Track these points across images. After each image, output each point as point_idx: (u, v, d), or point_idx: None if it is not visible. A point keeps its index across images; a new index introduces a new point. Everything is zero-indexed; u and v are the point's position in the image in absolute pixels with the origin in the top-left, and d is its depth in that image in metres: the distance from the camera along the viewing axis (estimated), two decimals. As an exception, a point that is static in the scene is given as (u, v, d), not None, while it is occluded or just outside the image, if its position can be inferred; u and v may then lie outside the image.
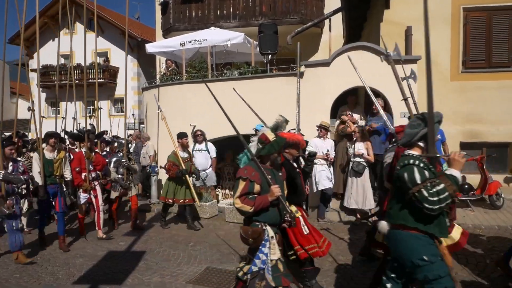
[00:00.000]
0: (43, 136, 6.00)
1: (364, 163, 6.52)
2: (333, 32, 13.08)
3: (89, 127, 6.92)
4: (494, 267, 4.61)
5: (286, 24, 12.79)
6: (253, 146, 3.35)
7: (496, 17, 7.74)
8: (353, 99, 7.72)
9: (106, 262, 5.24)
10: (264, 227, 3.19)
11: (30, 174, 5.54)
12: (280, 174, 3.45)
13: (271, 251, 3.17)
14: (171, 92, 8.95)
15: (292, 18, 13.19)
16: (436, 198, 2.56)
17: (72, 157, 6.76)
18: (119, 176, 6.76)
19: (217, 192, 8.43)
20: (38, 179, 5.66)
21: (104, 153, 7.11)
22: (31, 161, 6.04)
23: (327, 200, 7.00)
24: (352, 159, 6.61)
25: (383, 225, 2.95)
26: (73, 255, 5.56)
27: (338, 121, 7.35)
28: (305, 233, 4.05)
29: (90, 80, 21.82)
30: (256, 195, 3.14)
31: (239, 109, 8.06)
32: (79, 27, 23.06)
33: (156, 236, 6.45)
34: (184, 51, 9.79)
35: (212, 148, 7.75)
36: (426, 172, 2.68)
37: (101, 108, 10.50)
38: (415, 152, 2.86)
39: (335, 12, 10.84)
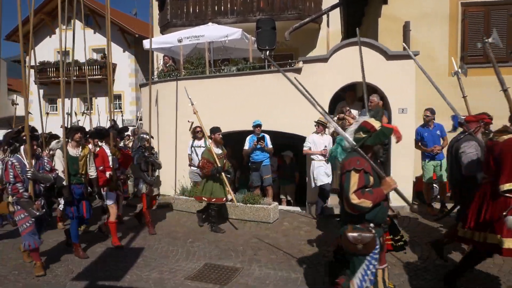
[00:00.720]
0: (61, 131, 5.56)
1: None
2: (331, 27, 13.05)
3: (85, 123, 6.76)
4: (491, 261, 4.64)
5: (284, 20, 12.74)
6: (350, 134, 3.08)
7: (494, 12, 7.73)
8: (351, 95, 7.71)
9: (104, 259, 5.24)
10: (372, 230, 2.89)
11: (57, 172, 5.07)
12: None
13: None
14: (168, 88, 8.93)
15: (290, 13, 13.14)
16: None
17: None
18: (143, 172, 6.35)
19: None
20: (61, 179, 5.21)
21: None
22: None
23: (325, 196, 7.01)
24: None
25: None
26: (72, 251, 5.55)
27: (336, 117, 7.34)
28: None
29: (88, 77, 21.85)
30: (370, 189, 2.84)
31: (238, 104, 8.08)
32: (77, 23, 22.93)
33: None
34: (181, 47, 9.75)
35: None
36: None
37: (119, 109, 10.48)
38: None
39: (333, 7, 10.82)
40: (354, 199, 2.78)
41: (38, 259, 4.79)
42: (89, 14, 21.89)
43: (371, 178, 2.86)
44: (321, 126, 6.78)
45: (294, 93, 7.52)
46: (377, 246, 2.93)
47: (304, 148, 6.88)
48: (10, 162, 4.65)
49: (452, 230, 4.50)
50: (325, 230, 6.19)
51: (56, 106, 23.24)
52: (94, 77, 21.53)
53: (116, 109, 22.52)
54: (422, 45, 7.48)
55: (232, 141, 8.49)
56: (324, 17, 12.95)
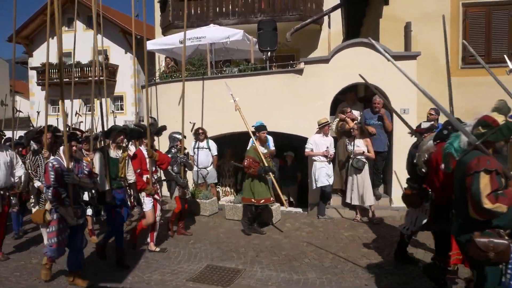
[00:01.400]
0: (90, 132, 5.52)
1: (364, 160, 6.53)
2: (332, 28, 13.03)
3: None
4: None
5: (285, 21, 12.74)
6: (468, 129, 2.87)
7: (495, 12, 7.71)
8: (353, 96, 7.71)
9: (106, 260, 5.25)
10: (504, 236, 2.62)
11: (97, 176, 4.68)
12: None
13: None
14: (170, 89, 8.94)
15: (291, 15, 13.14)
16: None
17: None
18: (176, 174, 6.02)
19: (217, 189, 8.44)
20: (104, 183, 4.79)
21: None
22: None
23: (327, 197, 7.02)
24: (351, 156, 6.62)
25: None
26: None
27: (337, 118, 7.35)
28: None
29: (90, 78, 21.90)
30: (502, 191, 2.57)
31: (240, 105, 8.05)
32: (79, 25, 23.00)
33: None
34: (183, 48, 9.76)
35: (213, 145, 7.74)
36: None
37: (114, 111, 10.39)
38: None
39: (334, 8, 10.81)
40: (487, 204, 2.52)
41: (51, 263, 4.56)
42: (91, 16, 21.94)
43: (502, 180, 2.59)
44: (326, 127, 6.77)
45: (295, 94, 7.59)
46: None
47: (306, 150, 6.89)
48: (50, 164, 4.23)
49: None
50: (326, 232, 6.19)
51: (59, 107, 23.31)
52: (96, 78, 21.60)
53: (118, 110, 22.61)
54: (423, 46, 7.48)
55: (232, 142, 8.51)
56: (325, 18, 12.94)
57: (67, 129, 6.07)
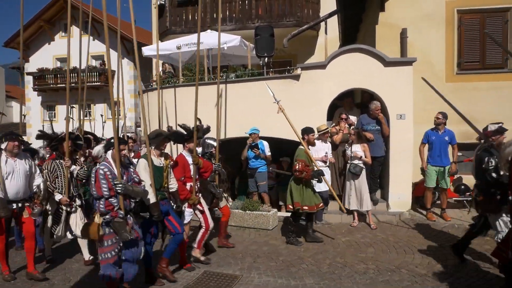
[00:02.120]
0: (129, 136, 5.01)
1: (361, 165, 6.54)
2: (329, 34, 13.13)
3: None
4: (490, 266, 4.64)
5: (282, 27, 12.82)
6: None
7: (490, 19, 7.81)
8: (349, 101, 7.75)
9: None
10: None
11: (143, 184, 4.20)
12: None
13: None
14: (167, 95, 8.94)
15: (288, 21, 13.23)
16: None
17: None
18: (211, 183, 5.55)
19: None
20: (151, 194, 4.28)
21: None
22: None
23: (325, 202, 7.01)
24: (349, 161, 6.64)
25: None
26: (70, 260, 5.52)
27: (334, 124, 7.38)
28: None
29: (88, 84, 21.88)
30: None
31: (236, 111, 8.09)
32: (76, 30, 23.02)
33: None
34: (180, 54, 9.79)
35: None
36: None
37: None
38: None
39: (330, 14, 10.91)
40: None
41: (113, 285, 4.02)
42: (88, 21, 21.97)
43: None
44: (326, 134, 6.78)
45: (293, 99, 7.60)
46: None
47: (305, 155, 6.87)
48: (101, 171, 3.81)
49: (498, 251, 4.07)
50: (324, 237, 6.18)
51: (55, 113, 23.24)
52: (93, 83, 21.57)
53: (115, 115, 22.53)
54: (419, 52, 7.55)
55: (227, 148, 8.49)
56: (322, 24, 13.04)
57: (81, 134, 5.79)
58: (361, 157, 6.52)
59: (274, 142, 7.70)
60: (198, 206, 5.08)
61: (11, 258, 5.15)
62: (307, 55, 13.75)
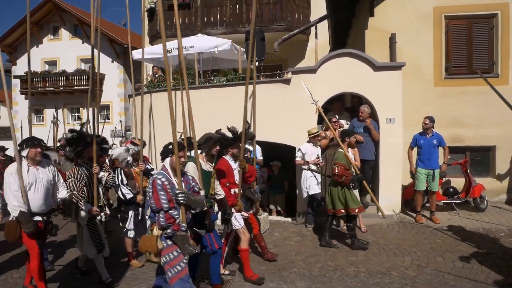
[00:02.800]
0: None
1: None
2: (320, 39, 13.25)
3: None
4: (479, 268, 4.71)
5: (273, 31, 12.91)
6: None
7: (476, 25, 7.97)
8: (339, 105, 7.81)
9: (90, 273, 5.13)
10: None
11: (202, 193, 3.77)
12: None
13: None
14: (157, 99, 8.91)
15: (279, 25, 13.32)
16: None
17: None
18: (248, 188, 5.16)
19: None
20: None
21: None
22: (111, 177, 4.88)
23: (318, 204, 7.03)
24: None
25: None
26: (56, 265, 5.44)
27: (324, 127, 7.42)
28: None
29: (76, 87, 21.68)
30: None
31: (227, 115, 8.07)
32: (64, 33, 22.81)
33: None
34: (171, 57, 9.76)
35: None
36: None
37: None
38: None
39: (321, 19, 11.00)
40: None
41: None
42: (78, 24, 21.81)
43: None
44: (318, 137, 6.81)
45: (283, 103, 7.64)
46: None
47: (297, 159, 6.90)
48: (159, 182, 3.47)
49: None
50: (315, 240, 6.19)
51: (43, 117, 22.94)
52: (82, 87, 21.38)
53: (104, 119, 22.36)
54: (408, 56, 7.66)
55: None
56: (313, 28, 13.16)
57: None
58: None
59: (266, 147, 7.71)
60: (243, 213, 4.76)
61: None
62: (297, 59, 13.84)
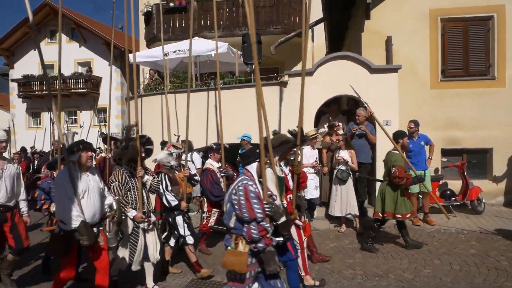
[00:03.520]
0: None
1: (349, 171, 6.57)
2: (316, 42, 13.28)
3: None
4: (476, 271, 4.70)
5: (270, 34, 12.91)
6: None
7: (472, 27, 8.00)
8: (336, 108, 7.82)
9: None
10: None
11: (278, 202, 3.39)
12: None
13: None
14: (154, 102, 8.89)
15: (275, 28, 13.33)
16: None
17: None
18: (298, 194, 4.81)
19: (200, 202, 8.35)
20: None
21: None
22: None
23: (313, 208, 7.01)
24: (336, 167, 6.67)
25: None
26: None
27: (320, 130, 7.42)
28: None
29: (73, 90, 21.65)
30: None
31: (224, 117, 8.05)
32: (62, 37, 22.80)
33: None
34: (168, 61, 9.75)
35: (197, 159, 7.68)
36: None
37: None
38: None
39: (317, 22, 11.01)
40: None
41: None
42: (75, 28, 21.79)
43: None
44: (314, 140, 6.81)
45: (280, 106, 7.63)
46: None
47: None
48: (251, 189, 3.12)
49: None
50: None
51: (40, 120, 22.89)
52: (79, 90, 21.35)
53: (102, 122, 22.32)
54: (404, 59, 7.67)
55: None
56: (309, 31, 13.17)
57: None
58: (347, 162, 6.56)
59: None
60: (298, 222, 4.38)
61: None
62: (294, 62, 13.83)
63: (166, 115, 7.23)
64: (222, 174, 5.81)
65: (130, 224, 4.27)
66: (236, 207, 3.14)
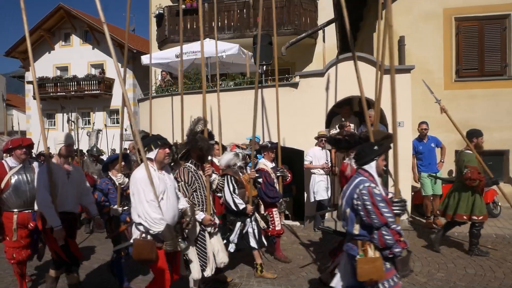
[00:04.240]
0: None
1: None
2: (327, 42, 13.19)
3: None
4: (492, 275, 4.60)
5: (281, 35, 12.87)
6: None
7: (488, 26, 7.85)
8: (348, 110, 7.75)
9: (101, 272, 5.15)
10: None
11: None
12: None
13: None
14: (166, 103, 8.95)
15: (286, 29, 13.31)
16: None
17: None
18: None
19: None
20: None
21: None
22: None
23: (321, 209, 6.97)
24: (347, 169, 6.61)
25: None
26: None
27: (332, 131, 7.37)
28: None
29: (86, 92, 21.97)
30: None
31: (235, 119, 8.08)
32: (75, 39, 23.16)
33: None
34: (179, 62, 9.81)
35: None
36: None
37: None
38: None
39: (328, 23, 10.95)
40: None
41: None
42: (88, 30, 22.12)
43: None
44: (323, 140, 6.77)
45: (290, 107, 7.61)
46: None
47: (305, 162, 6.88)
48: (377, 191, 2.90)
49: None
50: (323, 245, 6.13)
51: (54, 121, 23.28)
52: (92, 92, 21.66)
53: (114, 123, 22.60)
54: (417, 59, 7.57)
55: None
56: (320, 32, 13.11)
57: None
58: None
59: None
60: None
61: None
62: (305, 63, 13.81)
63: (180, 116, 7.26)
64: (278, 174, 5.58)
65: (197, 227, 3.86)
66: (362, 213, 2.89)
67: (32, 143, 4.50)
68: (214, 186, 4.13)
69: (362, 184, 2.93)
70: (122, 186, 4.39)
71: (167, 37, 13.91)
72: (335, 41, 12.68)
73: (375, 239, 2.86)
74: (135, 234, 3.32)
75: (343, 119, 7.27)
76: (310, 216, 7.26)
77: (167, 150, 3.44)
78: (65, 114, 12.32)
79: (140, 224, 3.25)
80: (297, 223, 7.66)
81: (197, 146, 3.86)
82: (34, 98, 23.09)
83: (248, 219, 4.69)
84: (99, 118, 21.00)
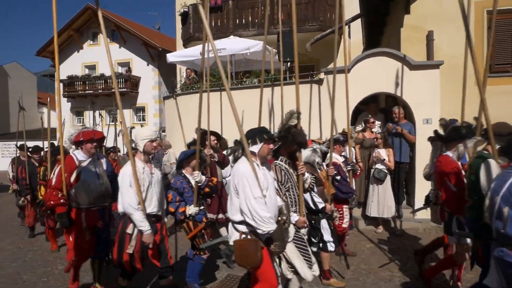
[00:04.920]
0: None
1: (386, 171, 6.42)
2: (353, 38, 13.02)
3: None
4: None
5: (305, 32, 12.81)
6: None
7: (522, 19, 7.54)
8: (374, 107, 7.64)
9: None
10: None
11: None
12: None
13: None
14: (191, 100, 9.08)
15: (311, 25, 13.21)
16: None
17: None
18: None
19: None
20: None
21: None
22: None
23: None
24: (373, 166, 6.54)
25: None
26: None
27: (357, 128, 7.29)
28: None
29: (113, 90, 22.54)
30: None
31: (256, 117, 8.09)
32: (103, 39, 23.78)
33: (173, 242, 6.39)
34: (205, 60, 9.93)
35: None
36: None
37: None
38: None
39: (354, 18, 10.80)
40: None
41: None
42: (115, 29, 22.66)
43: None
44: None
45: (315, 104, 7.57)
46: None
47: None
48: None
49: None
50: (347, 243, 6.08)
51: (83, 119, 24.01)
52: (119, 89, 22.22)
53: (140, 120, 23.10)
54: (446, 55, 7.37)
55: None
56: (346, 28, 12.95)
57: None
58: (384, 160, 6.41)
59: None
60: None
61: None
62: (330, 60, 13.63)
63: (206, 113, 7.35)
64: (349, 168, 5.33)
65: (292, 229, 3.51)
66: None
67: (104, 136, 4.35)
68: (306, 186, 3.83)
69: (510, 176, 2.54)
70: (199, 184, 4.23)
71: (192, 35, 14.08)
72: (361, 37, 12.50)
73: None
74: (234, 235, 3.05)
75: (369, 115, 7.17)
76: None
77: (271, 145, 3.23)
78: (96, 111, 12.67)
79: (241, 223, 2.97)
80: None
81: (294, 141, 3.54)
82: (64, 96, 23.91)
83: (324, 219, 4.33)
84: (125, 115, 21.50)
